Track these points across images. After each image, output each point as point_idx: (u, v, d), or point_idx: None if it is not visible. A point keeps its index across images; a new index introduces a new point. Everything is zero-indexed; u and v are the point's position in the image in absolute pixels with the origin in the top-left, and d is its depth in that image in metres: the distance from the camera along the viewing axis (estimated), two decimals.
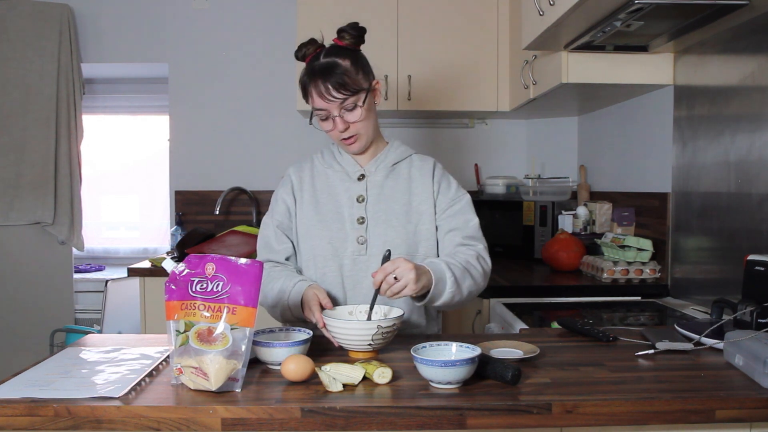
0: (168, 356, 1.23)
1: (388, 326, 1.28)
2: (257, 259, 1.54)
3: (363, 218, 1.55)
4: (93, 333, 2.79)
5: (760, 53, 1.74)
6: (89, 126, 3.59)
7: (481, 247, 1.58)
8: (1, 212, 3.20)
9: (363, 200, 1.56)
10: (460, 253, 1.53)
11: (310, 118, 1.56)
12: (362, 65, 1.51)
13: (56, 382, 1.11)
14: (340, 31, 1.52)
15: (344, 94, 1.45)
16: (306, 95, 1.50)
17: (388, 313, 1.40)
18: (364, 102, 1.49)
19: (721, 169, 1.91)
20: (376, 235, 1.54)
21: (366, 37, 1.54)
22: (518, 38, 2.59)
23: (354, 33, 1.51)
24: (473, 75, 2.98)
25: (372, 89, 1.53)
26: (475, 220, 1.60)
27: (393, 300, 1.39)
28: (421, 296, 1.41)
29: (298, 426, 1.01)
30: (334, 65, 1.46)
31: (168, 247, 3.39)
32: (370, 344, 1.28)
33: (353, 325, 1.28)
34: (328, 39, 1.55)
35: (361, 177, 1.58)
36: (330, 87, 1.44)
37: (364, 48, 1.56)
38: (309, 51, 1.51)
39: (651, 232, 2.37)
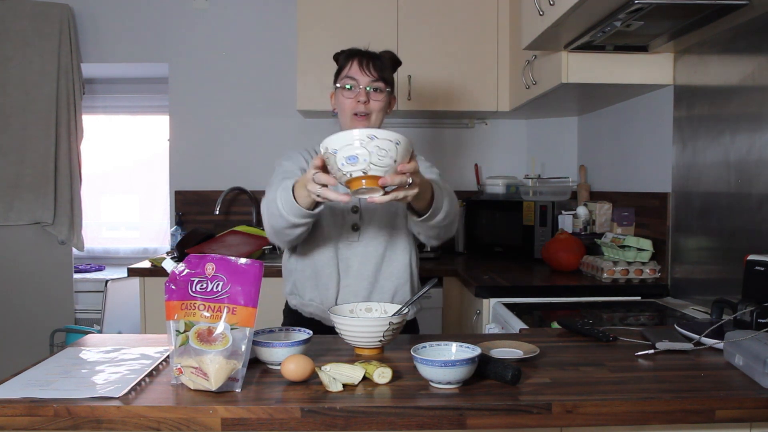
0: (168, 356, 1.23)
1: (398, 322, 1.30)
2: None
3: (357, 207, 1.67)
4: (93, 333, 2.79)
5: (760, 53, 1.74)
6: (89, 126, 3.59)
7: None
8: (1, 212, 3.20)
9: None
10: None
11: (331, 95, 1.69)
12: (392, 75, 1.72)
13: (56, 382, 1.11)
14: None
15: (377, 76, 1.63)
16: (341, 68, 1.67)
17: (388, 309, 1.43)
18: (386, 95, 1.65)
19: (721, 169, 1.91)
20: (370, 225, 1.65)
21: (366, 37, 1.59)
22: (518, 38, 2.59)
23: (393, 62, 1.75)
24: (473, 75, 2.98)
25: (392, 94, 1.70)
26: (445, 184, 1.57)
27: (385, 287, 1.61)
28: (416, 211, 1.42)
29: (298, 426, 1.01)
30: (378, 55, 1.69)
31: (168, 247, 3.39)
32: (380, 340, 1.29)
33: (365, 322, 1.29)
34: (338, 46, 1.74)
35: None
36: (371, 64, 1.64)
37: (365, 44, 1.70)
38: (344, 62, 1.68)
39: (651, 232, 2.37)
